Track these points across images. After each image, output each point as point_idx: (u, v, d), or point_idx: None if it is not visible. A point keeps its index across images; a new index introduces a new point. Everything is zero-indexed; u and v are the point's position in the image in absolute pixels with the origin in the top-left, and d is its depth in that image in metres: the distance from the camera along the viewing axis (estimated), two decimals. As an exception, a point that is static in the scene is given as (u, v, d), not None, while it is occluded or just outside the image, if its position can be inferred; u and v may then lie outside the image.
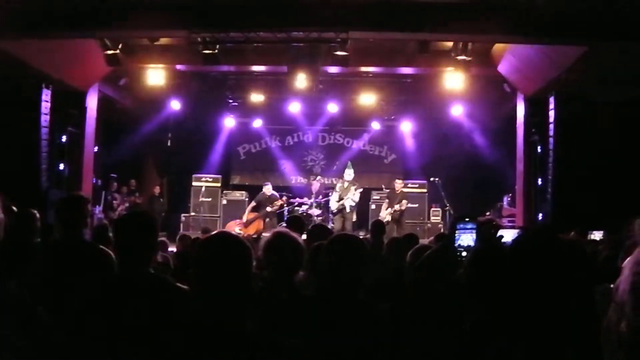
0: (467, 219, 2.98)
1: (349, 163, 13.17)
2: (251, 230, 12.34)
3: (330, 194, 13.01)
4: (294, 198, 13.97)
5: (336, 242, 2.72)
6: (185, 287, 2.66)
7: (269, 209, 12.61)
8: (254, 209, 12.84)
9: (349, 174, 12.57)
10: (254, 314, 2.02)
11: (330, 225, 12.28)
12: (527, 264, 2.54)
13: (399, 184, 13.15)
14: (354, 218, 12.77)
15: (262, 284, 3.02)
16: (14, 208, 4.86)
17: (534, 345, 2.18)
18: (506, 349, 2.15)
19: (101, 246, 3.65)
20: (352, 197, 12.33)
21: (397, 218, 12.53)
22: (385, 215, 12.48)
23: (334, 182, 14.96)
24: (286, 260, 3.02)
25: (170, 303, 2.52)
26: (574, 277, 2.73)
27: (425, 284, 3.01)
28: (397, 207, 12.54)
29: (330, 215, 12.96)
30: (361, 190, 12.78)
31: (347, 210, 12.33)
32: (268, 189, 13.00)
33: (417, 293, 3.03)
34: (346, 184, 12.46)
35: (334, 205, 12.44)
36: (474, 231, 2.94)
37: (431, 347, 2.33)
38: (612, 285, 2.46)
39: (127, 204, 14.21)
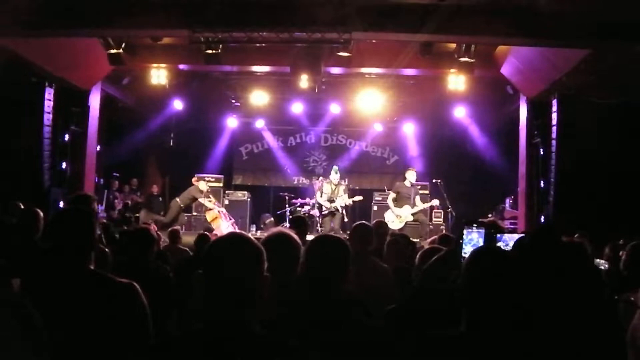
0: (474, 225, 2.97)
1: (335, 167, 13.11)
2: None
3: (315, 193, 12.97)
4: (296, 199, 13.99)
5: (315, 243, 2.72)
6: (125, 281, 2.67)
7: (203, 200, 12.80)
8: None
9: (335, 178, 12.56)
10: (260, 316, 2.01)
11: (319, 228, 12.32)
12: (529, 268, 2.52)
13: (412, 175, 12.32)
14: (345, 219, 12.70)
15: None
16: (21, 205, 4.88)
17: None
18: None
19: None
20: (345, 199, 12.39)
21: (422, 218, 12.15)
22: (403, 215, 11.99)
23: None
24: (282, 260, 3.02)
25: (112, 298, 2.56)
26: (579, 282, 2.71)
27: (430, 289, 3.00)
28: (422, 205, 12.03)
29: (319, 216, 12.92)
30: (360, 198, 12.85)
31: (339, 211, 12.37)
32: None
33: (421, 297, 3.02)
34: (334, 187, 12.44)
35: (326, 205, 12.39)
36: (481, 236, 2.93)
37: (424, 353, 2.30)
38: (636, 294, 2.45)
39: (129, 202, 14.25)
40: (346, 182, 13.28)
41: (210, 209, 12.70)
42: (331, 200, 12.35)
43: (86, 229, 2.73)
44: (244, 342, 1.89)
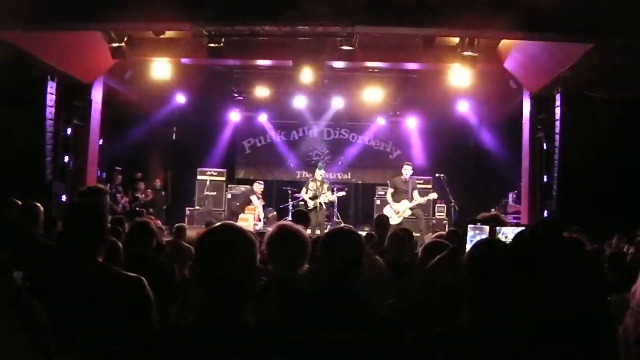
0: (478, 222, 2.95)
1: (320, 164, 13.26)
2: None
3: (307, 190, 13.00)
4: (299, 193, 13.98)
5: (333, 236, 2.70)
6: (133, 274, 2.66)
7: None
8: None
9: (320, 174, 12.58)
10: (256, 310, 1.98)
11: None
12: (528, 262, 2.51)
13: (408, 170, 12.21)
14: (326, 212, 12.95)
15: (265, 279, 2.99)
16: (18, 202, 4.88)
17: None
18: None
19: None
20: (328, 196, 12.51)
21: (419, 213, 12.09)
22: (401, 210, 11.93)
23: (339, 177, 15.20)
24: (289, 254, 2.99)
25: (118, 292, 2.56)
26: (577, 277, 2.70)
27: (431, 286, 2.99)
28: (420, 199, 11.93)
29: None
30: (343, 194, 13.08)
31: (323, 207, 12.46)
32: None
33: (424, 293, 3.01)
34: (318, 184, 12.47)
35: (310, 203, 12.41)
36: (484, 234, 2.92)
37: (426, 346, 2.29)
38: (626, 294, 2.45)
39: (138, 196, 14.35)
40: (327, 182, 13.30)
41: (254, 208, 13.34)
42: (315, 197, 12.38)
43: (97, 222, 2.73)
44: (236, 334, 1.86)
